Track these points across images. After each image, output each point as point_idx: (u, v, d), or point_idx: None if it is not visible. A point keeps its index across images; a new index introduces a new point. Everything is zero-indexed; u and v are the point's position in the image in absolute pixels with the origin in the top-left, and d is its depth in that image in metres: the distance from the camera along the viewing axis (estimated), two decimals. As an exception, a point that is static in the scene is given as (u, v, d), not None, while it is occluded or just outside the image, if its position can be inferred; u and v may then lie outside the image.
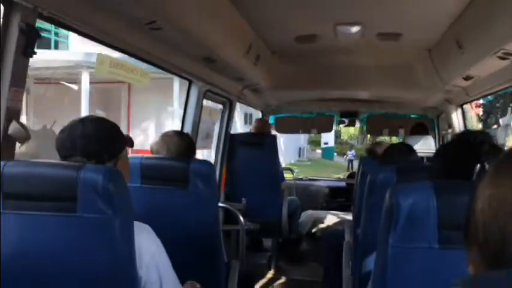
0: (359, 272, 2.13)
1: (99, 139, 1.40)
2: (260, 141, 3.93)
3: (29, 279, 1.24)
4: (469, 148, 1.25)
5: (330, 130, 5.57)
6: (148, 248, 1.35)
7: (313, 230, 4.71)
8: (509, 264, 0.51)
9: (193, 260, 1.93)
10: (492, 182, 0.55)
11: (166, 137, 2.21)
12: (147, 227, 1.38)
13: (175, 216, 2.01)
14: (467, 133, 1.68)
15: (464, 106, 4.02)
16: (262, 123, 4.34)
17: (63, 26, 1.59)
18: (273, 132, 4.88)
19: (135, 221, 1.32)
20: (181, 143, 2.19)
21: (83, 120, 1.42)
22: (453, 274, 1.05)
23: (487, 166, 1.17)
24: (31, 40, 1.41)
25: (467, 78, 2.94)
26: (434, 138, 4.75)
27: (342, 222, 4.26)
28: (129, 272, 1.25)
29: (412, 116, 5.06)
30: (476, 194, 0.57)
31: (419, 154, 3.28)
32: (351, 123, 5.37)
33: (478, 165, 1.17)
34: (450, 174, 1.22)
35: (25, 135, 1.43)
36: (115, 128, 1.49)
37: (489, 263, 0.54)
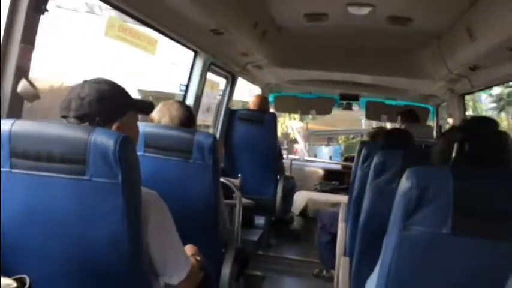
0: (351, 254, 2.15)
1: (92, 101, 1.31)
2: (260, 118, 3.89)
3: (36, 238, 1.23)
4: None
5: (329, 112, 5.53)
6: (156, 214, 1.34)
7: (306, 211, 4.74)
8: None
9: (193, 231, 1.91)
10: None
11: (169, 105, 2.17)
12: (155, 194, 1.36)
13: (177, 187, 1.99)
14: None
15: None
16: (261, 99, 4.26)
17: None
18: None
19: (144, 188, 1.30)
20: (184, 113, 2.15)
21: (86, 80, 1.36)
22: (462, 263, 1.06)
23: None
24: (44, -4, 1.37)
25: (473, 68, 2.93)
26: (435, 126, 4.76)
27: (335, 204, 4.29)
28: (135, 237, 1.23)
29: (412, 104, 5.05)
30: None
31: (418, 142, 3.28)
32: (348, 107, 5.35)
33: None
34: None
35: (34, 94, 1.39)
36: (115, 91, 1.37)
37: None
